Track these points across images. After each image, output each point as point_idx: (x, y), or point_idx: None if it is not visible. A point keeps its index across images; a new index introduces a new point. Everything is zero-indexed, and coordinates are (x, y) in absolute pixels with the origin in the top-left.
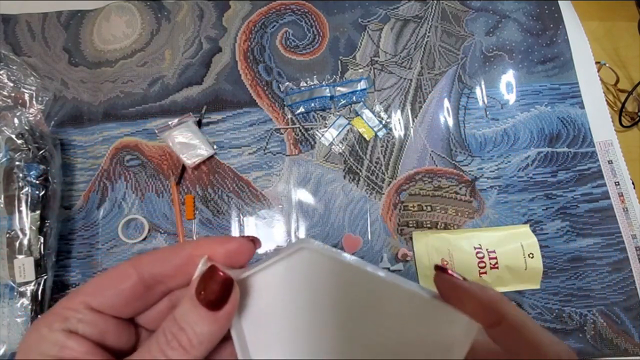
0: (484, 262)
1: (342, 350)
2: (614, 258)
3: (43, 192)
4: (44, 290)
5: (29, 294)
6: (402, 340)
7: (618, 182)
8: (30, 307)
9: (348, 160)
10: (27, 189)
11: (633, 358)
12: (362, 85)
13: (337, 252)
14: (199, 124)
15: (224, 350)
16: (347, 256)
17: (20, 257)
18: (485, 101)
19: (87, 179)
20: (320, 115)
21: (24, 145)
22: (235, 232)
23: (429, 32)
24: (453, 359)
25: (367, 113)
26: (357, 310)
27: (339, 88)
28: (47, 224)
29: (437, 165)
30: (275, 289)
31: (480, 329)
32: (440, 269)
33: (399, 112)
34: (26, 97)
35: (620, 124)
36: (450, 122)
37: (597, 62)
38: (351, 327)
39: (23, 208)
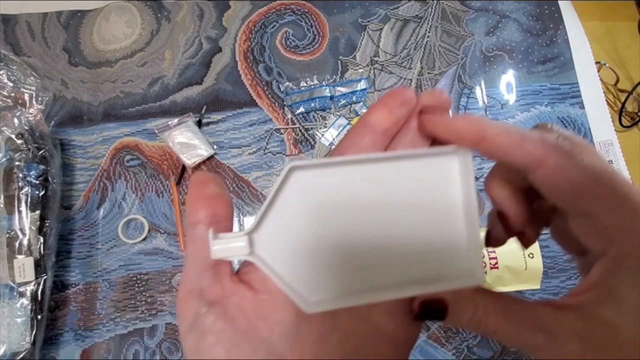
0: (483, 262)
1: (370, 245)
2: None
3: (43, 192)
4: (43, 290)
5: (28, 294)
6: (415, 202)
7: None
8: (30, 307)
9: None
10: (27, 189)
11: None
12: (362, 85)
13: (322, 160)
14: (199, 124)
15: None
16: (335, 159)
17: (20, 257)
18: (485, 101)
19: (87, 179)
20: (320, 115)
21: (24, 145)
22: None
23: (429, 32)
24: (461, 191)
25: None
26: (368, 198)
27: (339, 88)
28: (47, 224)
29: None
30: (292, 218)
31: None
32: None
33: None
34: (26, 97)
35: (620, 124)
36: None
37: (597, 62)
38: (372, 212)
39: (23, 208)
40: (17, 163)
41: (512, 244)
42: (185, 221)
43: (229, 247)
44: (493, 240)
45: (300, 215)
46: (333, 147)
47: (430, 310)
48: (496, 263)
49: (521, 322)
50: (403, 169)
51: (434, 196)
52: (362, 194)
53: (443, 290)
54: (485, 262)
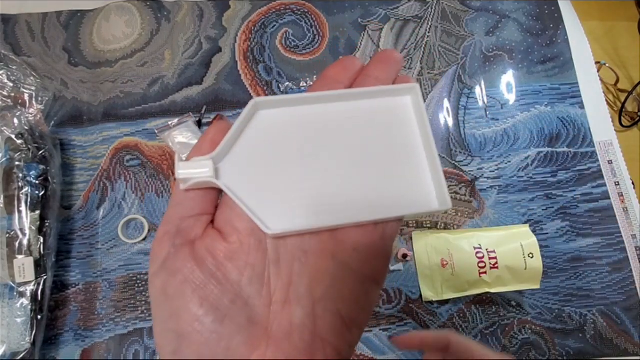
0: (483, 262)
1: (333, 179)
2: (613, 258)
3: (43, 192)
4: (43, 290)
5: (28, 294)
6: (375, 138)
7: (618, 182)
8: (30, 307)
9: None
10: (27, 189)
11: (633, 358)
12: None
13: (286, 97)
14: (199, 124)
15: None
16: (297, 95)
17: (20, 257)
18: (485, 101)
19: (87, 179)
20: None
21: (24, 145)
22: None
23: (429, 32)
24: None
25: None
26: (329, 132)
27: None
28: (47, 224)
29: None
30: (255, 149)
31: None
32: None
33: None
34: (26, 97)
35: (620, 124)
36: (450, 122)
37: (597, 62)
38: (331, 154)
39: (23, 208)
40: (17, 163)
41: (513, 243)
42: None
43: (193, 171)
44: None
45: (264, 149)
46: None
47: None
48: (496, 263)
49: None
50: (362, 106)
51: (392, 132)
52: (324, 131)
53: (410, 213)
54: (485, 262)
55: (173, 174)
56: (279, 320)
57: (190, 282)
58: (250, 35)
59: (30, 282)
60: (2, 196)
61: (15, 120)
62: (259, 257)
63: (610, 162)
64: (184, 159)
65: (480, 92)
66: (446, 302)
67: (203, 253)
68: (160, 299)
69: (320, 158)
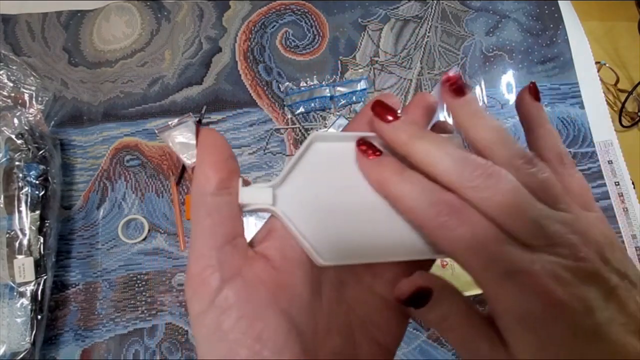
0: None
1: (380, 206)
2: None
3: (43, 192)
4: (43, 290)
5: (28, 294)
6: None
7: (618, 182)
8: (30, 307)
9: None
10: (27, 189)
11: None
12: (362, 85)
13: (342, 133)
14: (199, 124)
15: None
16: (353, 133)
17: (20, 257)
18: (485, 101)
19: (87, 179)
20: (320, 116)
21: (24, 145)
22: None
23: (429, 32)
24: None
25: None
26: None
27: (339, 88)
28: (47, 224)
29: None
30: (310, 182)
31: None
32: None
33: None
34: (26, 97)
35: (620, 124)
36: (450, 122)
37: (597, 62)
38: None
39: (23, 208)
40: (17, 163)
41: None
42: (194, 189)
43: (255, 195)
44: None
45: (318, 180)
46: None
47: (418, 296)
48: None
49: (476, 327)
50: None
51: None
52: None
53: (444, 257)
54: None
55: (173, 174)
56: (323, 348)
57: (246, 316)
58: (250, 35)
59: (30, 282)
60: (2, 196)
61: (15, 120)
62: (306, 287)
63: (610, 162)
64: (241, 184)
65: (480, 92)
66: None
67: (255, 282)
68: (213, 338)
69: (367, 194)
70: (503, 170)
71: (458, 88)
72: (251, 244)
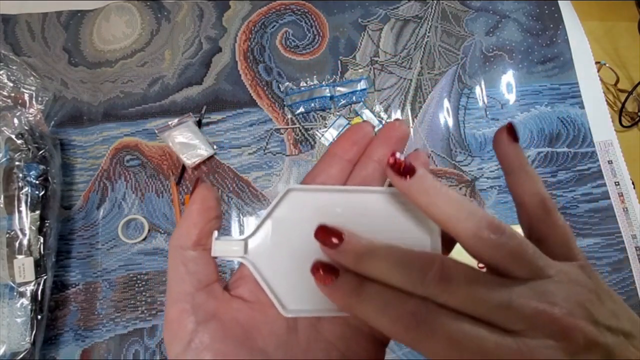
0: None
1: None
2: (614, 258)
3: (43, 192)
4: (43, 290)
5: (28, 294)
6: (387, 225)
7: (618, 182)
8: (30, 307)
9: None
10: (27, 189)
11: None
12: (362, 85)
13: (317, 186)
14: (199, 124)
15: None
16: (328, 186)
17: (20, 257)
18: (485, 101)
19: (87, 179)
20: (320, 115)
21: (24, 145)
22: (235, 232)
23: (429, 32)
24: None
25: (367, 113)
26: (348, 223)
27: (339, 88)
28: (47, 224)
29: (437, 165)
30: (282, 232)
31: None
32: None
33: (399, 112)
34: (26, 97)
35: (620, 124)
36: (450, 122)
37: (597, 62)
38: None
39: (23, 208)
40: (17, 163)
41: None
42: (173, 240)
43: (227, 248)
44: None
45: (290, 231)
46: None
47: (404, 167)
48: None
49: None
50: (380, 198)
51: (405, 223)
52: (345, 218)
53: None
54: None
55: (173, 174)
56: None
57: (224, 355)
58: (250, 35)
59: (30, 282)
60: (2, 196)
61: (15, 120)
62: (282, 325)
63: (610, 162)
64: (215, 237)
65: (480, 92)
66: None
67: (230, 323)
68: None
69: None
70: (451, 262)
71: (405, 169)
72: (226, 288)
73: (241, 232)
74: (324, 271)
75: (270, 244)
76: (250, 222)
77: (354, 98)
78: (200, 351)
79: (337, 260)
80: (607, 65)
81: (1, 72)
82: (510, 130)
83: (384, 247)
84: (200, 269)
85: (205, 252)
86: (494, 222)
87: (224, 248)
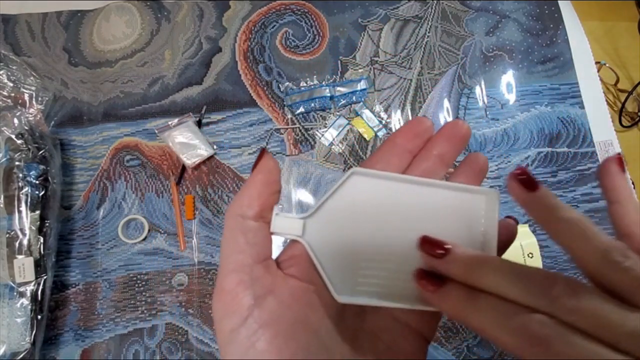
0: None
1: (402, 249)
2: None
3: (43, 192)
4: (43, 290)
5: (28, 294)
6: (446, 224)
7: None
8: (30, 307)
9: (348, 160)
10: (27, 189)
11: None
12: (362, 85)
13: (382, 172)
14: (199, 124)
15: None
16: (393, 174)
17: (20, 257)
18: (485, 101)
19: (87, 179)
20: (320, 115)
21: (24, 145)
22: None
23: (429, 32)
24: (487, 226)
25: (367, 113)
26: (407, 214)
27: (339, 88)
28: (47, 224)
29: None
30: (340, 216)
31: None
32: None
33: (399, 112)
34: (26, 97)
35: (620, 124)
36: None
37: (597, 62)
38: (406, 227)
39: (23, 208)
40: (17, 163)
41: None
42: (233, 207)
43: (287, 225)
44: None
45: (350, 216)
46: (332, 146)
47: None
48: None
49: None
50: (440, 194)
51: (461, 223)
52: (404, 208)
53: None
54: None
55: (173, 174)
56: None
57: (280, 335)
58: (250, 35)
59: (30, 282)
60: (2, 196)
61: (15, 120)
62: (332, 311)
63: None
64: (275, 212)
65: (480, 92)
66: None
67: (288, 302)
68: (247, 355)
69: (393, 236)
70: (576, 280)
71: (530, 182)
72: (278, 265)
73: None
74: (428, 279)
75: (327, 226)
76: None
77: (354, 98)
78: (256, 329)
79: (443, 270)
80: (607, 65)
81: (1, 72)
82: (620, 160)
83: (494, 259)
84: (259, 241)
85: (265, 225)
86: (621, 245)
87: (284, 224)
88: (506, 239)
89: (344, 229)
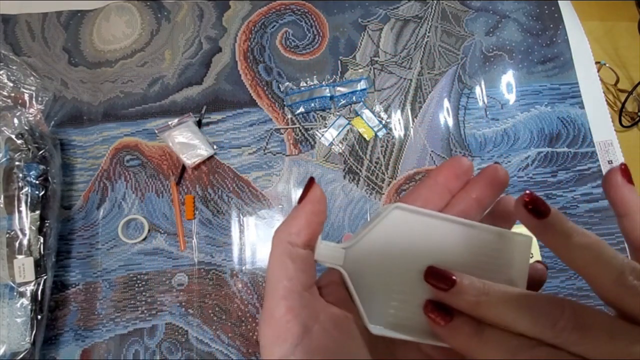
0: None
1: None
2: None
3: (43, 192)
4: (43, 290)
5: (28, 294)
6: (478, 265)
7: None
8: (30, 307)
9: (348, 160)
10: (27, 189)
11: None
12: (362, 85)
13: (424, 210)
14: (199, 124)
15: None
16: (434, 212)
17: (20, 257)
18: (485, 101)
19: (87, 179)
20: (320, 115)
21: (24, 145)
22: (235, 232)
23: (429, 32)
24: (518, 271)
25: (367, 113)
26: (441, 251)
27: (339, 88)
28: (47, 224)
29: (437, 165)
30: (379, 248)
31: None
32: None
33: (398, 112)
34: (26, 97)
35: (620, 124)
36: (450, 122)
37: (597, 62)
38: (439, 264)
39: (23, 208)
40: (17, 163)
41: None
42: (281, 233)
43: (330, 254)
44: None
45: (389, 250)
46: (332, 146)
47: (537, 205)
48: None
49: None
50: (477, 235)
51: (493, 265)
52: (440, 246)
53: None
54: None
55: (173, 174)
56: None
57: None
58: (250, 35)
59: (30, 282)
60: (2, 196)
61: (15, 120)
62: (367, 340)
63: (610, 162)
64: (319, 240)
65: (480, 92)
66: None
67: (330, 330)
68: None
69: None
70: (583, 308)
71: (540, 210)
72: (319, 291)
73: (241, 231)
74: (437, 312)
75: (365, 257)
76: (250, 222)
77: (354, 98)
78: (311, 353)
79: (450, 303)
80: (607, 65)
81: (1, 72)
82: (625, 171)
83: (501, 291)
84: (307, 268)
85: (312, 253)
86: (635, 267)
87: (327, 253)
88: (535, 283)
89: (380, 261)
